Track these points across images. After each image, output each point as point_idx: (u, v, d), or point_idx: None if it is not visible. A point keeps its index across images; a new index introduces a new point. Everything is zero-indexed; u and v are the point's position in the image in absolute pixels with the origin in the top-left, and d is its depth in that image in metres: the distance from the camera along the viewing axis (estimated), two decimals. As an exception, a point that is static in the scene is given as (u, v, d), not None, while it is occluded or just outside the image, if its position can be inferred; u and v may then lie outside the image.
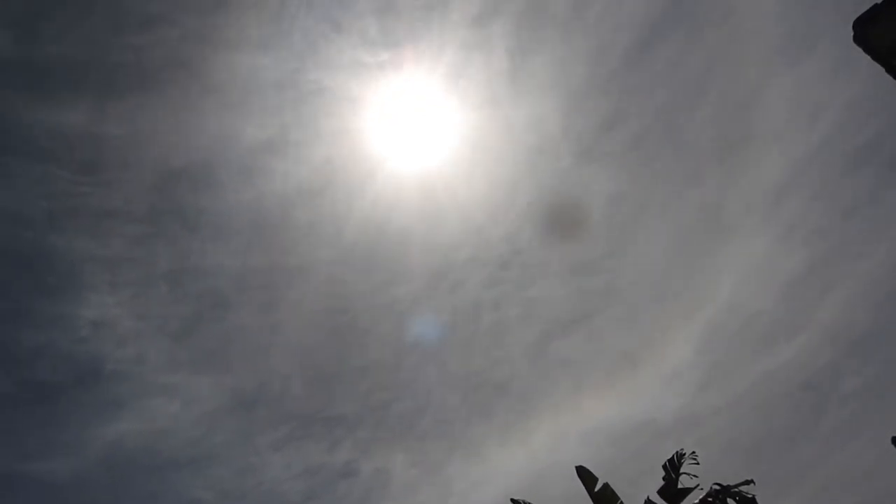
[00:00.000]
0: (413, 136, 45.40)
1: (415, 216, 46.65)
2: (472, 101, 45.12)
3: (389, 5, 42.36)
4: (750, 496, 14.92)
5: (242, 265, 46.72)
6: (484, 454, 45.15)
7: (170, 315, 45.56)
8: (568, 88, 45.27)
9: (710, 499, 15.12)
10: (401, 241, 46.96)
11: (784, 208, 43.52)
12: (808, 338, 42.09)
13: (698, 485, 15.39)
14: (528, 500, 16.17)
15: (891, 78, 12.50)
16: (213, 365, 47.61)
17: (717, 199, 45.71)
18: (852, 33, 11.78)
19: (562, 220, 45.79)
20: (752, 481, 15.04)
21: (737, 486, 15.00)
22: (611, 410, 42.73)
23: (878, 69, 12.15)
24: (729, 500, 15.00)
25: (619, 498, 15.81)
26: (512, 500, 16.09)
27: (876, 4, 11.68)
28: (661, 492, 15.61)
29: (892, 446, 14.84)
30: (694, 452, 15.83)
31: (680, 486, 15.54)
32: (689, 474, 15.53)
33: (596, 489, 15.87)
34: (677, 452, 15.87)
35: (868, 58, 12.35)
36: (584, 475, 16.03)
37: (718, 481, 15.34)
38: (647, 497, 15.84)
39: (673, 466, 15.75)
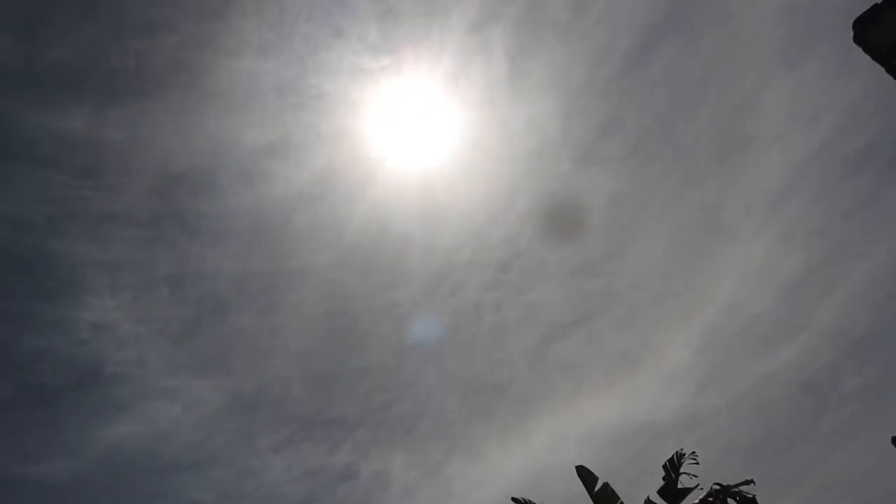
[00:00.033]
0: (413, 139, 45.65)
1: (415, 219, 46.88)
2: (471, 105, 45.36)
3: (389, 11, 42.48)
4: (750, 496, 14.91)
5: (243, 269, 46.95)
6: (484, 455, 45.42)
7: (170, 318, 45.81)
8: (567, 92, 45.48)
9: (710, 499, 15.10)
10: (401, 243, 47.22)
11: (783, 210, 43.65)
12: (807, 339, 42.20)
13: (698, 485, 15.38)
14: (529, 499, 16.20)
15: (891, 78, 12.53)
16: (213, 368, 47.82)
17: (717, 201, 45.83)
18: (852, 33, 11.81)
19: (561, 223, 45.97)
20: (752, 481, 15.03)
21: (737, 485, 14.98)
22: (610, 411, 42.93)
23: (878, 69, 12.18)
24: (729, 500, 14.99)
25: (619, 498, 15.80)
26: (513, 499, 16.10)
27: (876, 4, 11.69)
28: (661, 492, 15.60)
29: (892, 446, 14.84)
30: (694, 452, 15.82)
31: (680, 486, 15.53)
32: (689, 474, 15.53)
33: (596, 489, 15.86)
34: (677, 452, 15.86)
35: (868, 58, 12.38)
36: (584, 475, 16.03)
37: (718, 481, 15.35)
38: (647, 497, 15.84)
39: (673, 466, 15.73)
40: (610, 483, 16.03)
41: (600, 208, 47.08)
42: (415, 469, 46.47)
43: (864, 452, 34.46)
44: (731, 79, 43.39)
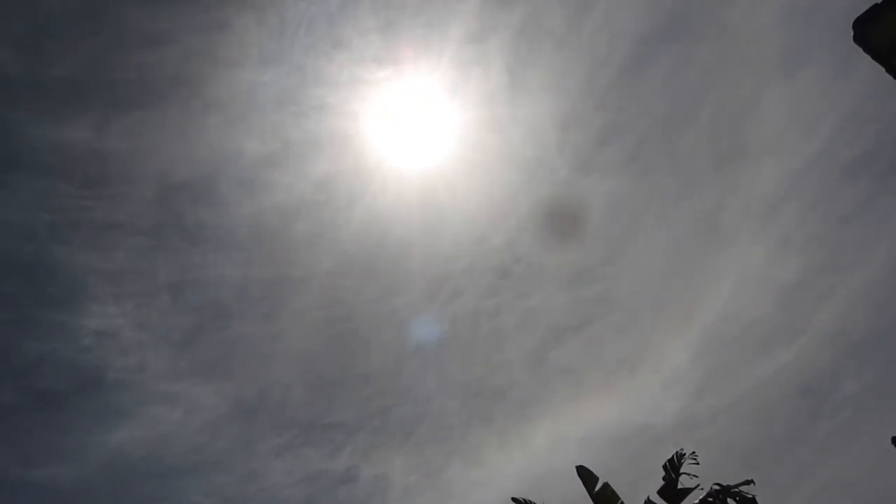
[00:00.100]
0: (412, 147, 46.10)
1: (414, 226, 47.21)
2: (470, 114, 45.57)
3: (389, 23, 42.88)
4: (750, 496, 14.92)
5: (244, 276, 47.38)
6: (483, 459, 45.55)
7: (172, 325, 46.19)
8: (565, 100, 45.82)
9: (710, 499, 15.11)
10: (401, 250, 47.57)
11: (781, 215, 43.82)
12: (805, 343, 42.29)
13: (698, 485, 15.39)
14: (529, 499, 16.19)
15: (891, 78, 12.62)
16: (214, 373, 48.14)
17: (715, 207, 46.05)
18: (852, 33, 11.88)
19: (561, 229, 46.22)
20: (751, 481, 15.04)
21: (737, 486, 14.99)
22: (610, 415, 42.99)
23: (878, 70, 12.26)
24: (729, 500, 15.00)
25: (619, 498, 15.80)
26: (513, 499, 16.10)
27: (876, 4, 11.75)
28: (661, 492, 15.60)
29: (892, 447, 14.86)
30: (694, 453, 15.83)
31: (680, 486, 15.53)
32: (689, 474, 15.54)
33: (596, 489, 15.86)
34: (677, 452, 15.87)
35: (868, 58, 12.47)
36: (585, 475, 16.03)
37: (718, 481, 15.36)
38: (648, 497, 15.85)
39: (673, 467, 15.73)
40: (610, 483, 16.07)
41: (599, 214, 47.44)
42: (415, 472, 46.71)
43: (863, 454, 34.61)
44: (728, 86, 43.77)
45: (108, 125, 42.10)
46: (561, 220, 45.92)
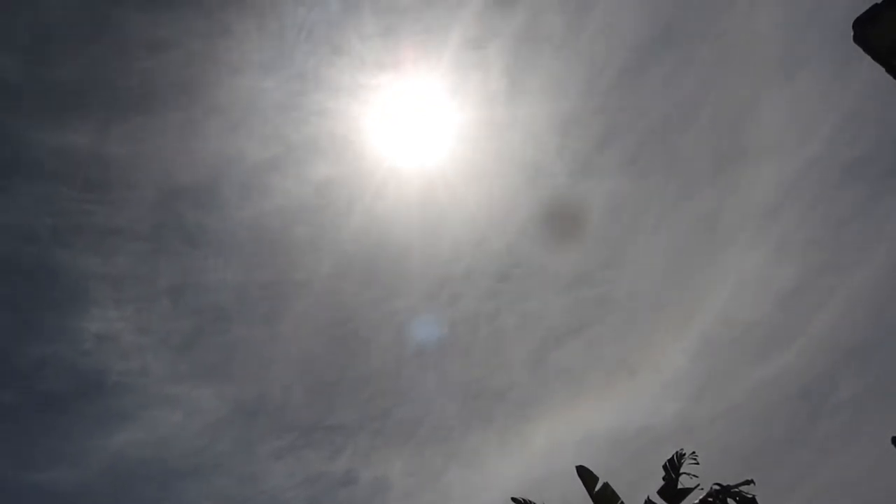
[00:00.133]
0: (412, 150, 46.36)
1: (414, 229, 47.41)
2: (470, 118, 45.78)
3: (389, 28, 43.08)
4: (750, 496, 14.92)
5: (244, 280, 47.65)
6: (483, 461, 45.67)
7: (172, 328, 46.47)
8: (564, 105, 45.93)
9: (710, 499, 15.11)
10: (400, 253, 47.72)
11: (780, 219, 43.94)
12: (804, 346, 42.34)
13: (698, 485, 15.40)
14: (528, 499, 16.19)
15: (890, 79, 12.66)
16: (215, 376, 48.36)
17: (714, 211, 46.19)
18: (852, 33, 11.92)
19: (560, 233, 46.39)
20: (751, 481, 15.04)
21: (737, 486, 14.99)
22: (609, 417, 43.10)
23: (878, 70, 12.29)
24: (729, 500, 15.00)
25: (619, 497, 15.79)
26: (513, 499, 16.09)
27: (876, 4, 11.77)
28: (661, 492, 15.60)
29: (893, 447, 14.87)
30: (694, 453, 15.83)
31: (680, 486, 15.53)
32: (689, 474, 15.54)
33: (596, 489, 15.86)
34: (677, 452, 15.87)
35: (868, 58, 12.50)
36: (585, 475, 16.03)
37: (718, 481, 15.36)
38: (647, 497, 15.84)
39: (673, 467, 15.73)
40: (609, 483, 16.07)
41: (598, 217, 47.55)
42: (414, 474, 46.88)
43: (862, 455, 34.69)
44: (726, 91, 43.96)
45: (110, 130, 42.49)
46: (560, 223, 46.15)
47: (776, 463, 37.38)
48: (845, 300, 40.60)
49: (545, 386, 48.72)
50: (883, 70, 12.21)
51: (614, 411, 42.92)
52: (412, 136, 45.71)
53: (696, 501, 15.18)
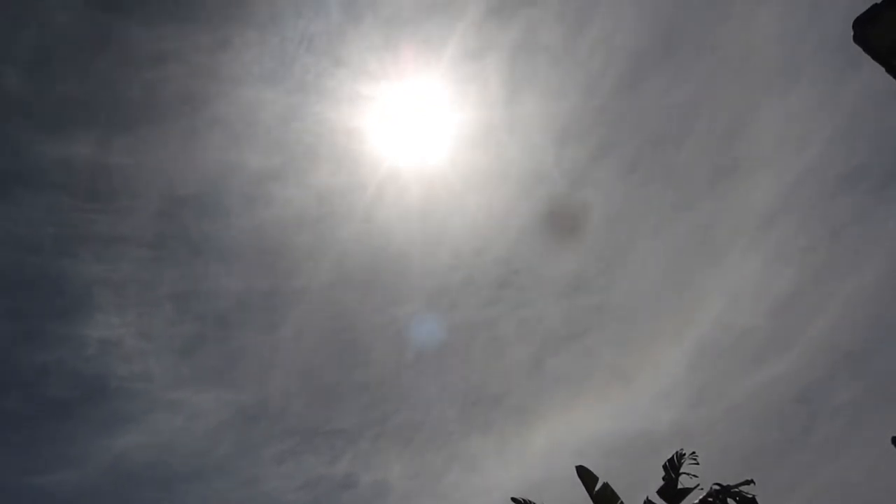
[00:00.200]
0: (412, 159, 46.96)
1: (414, 238, 47.96)
2: (469, 128, 46.41)
3: (388, 41, 43.48)
4: (750, 496, 14.91)
5: (246, 287, 48.19)
6: (481, 465, 46.01)
7: (175, 334, 46.91)
8: (562, 116, 46.44)
9: (709, 499, 15.09)
10: (400, 262, 48.26)
11: (775, 228, 44.24)
12: (799, 352, 42.62)
13: (698, 485, 15.38)
14: (528, 499, 16.16)
15: (887, 83, 12.79)
16: (217, 381, 48.71)
17: (710, 220, 46.56)
18: (852, 33, 12.02)
19: (558, 241, 47.05)
20: (751, 481, 15.03)
21: (737, 486, 14.98)
22: (606, 423, 43.33)
23: (878, 71, 12.41)
24: (729, 500, 14.99)
25: (618, 498, 15.77)
26: (512, 499, 16.06)
27: (876, 4, 11.87)
28: (661, 492, 15.58)
29: (893, 447, 14.91)
30: (694, 453, 15.82)
31: (680, 486, 15.51)
32: (689, 474, 15.53)
33: (596, 489, 15.83)
34: (677, 452, 15.86)
35: (865, 63, 12.64)
36: (584, 475, 16.00)
37: (718, 481, 15.35)
38: (647, 497, 15.82)
39: (673, 467, 15.72)
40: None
41: (596, 226, 47.96)
42: (414, 478, 47.28)
43: (860, 458, 34.90)
44: (723, 100, 44.37)
45: (113, 141, 43.13)
46: (558, 231, 46.77)
47: (775, 465, 37.54)
48: (842, 306, 40.93)
49: (543, 392, 49.11)
50: (883, 71, 12.34)
51: (612, 416, 43.23)
52: (412, 144, 46.41)
53: (696, 501, 15.16)
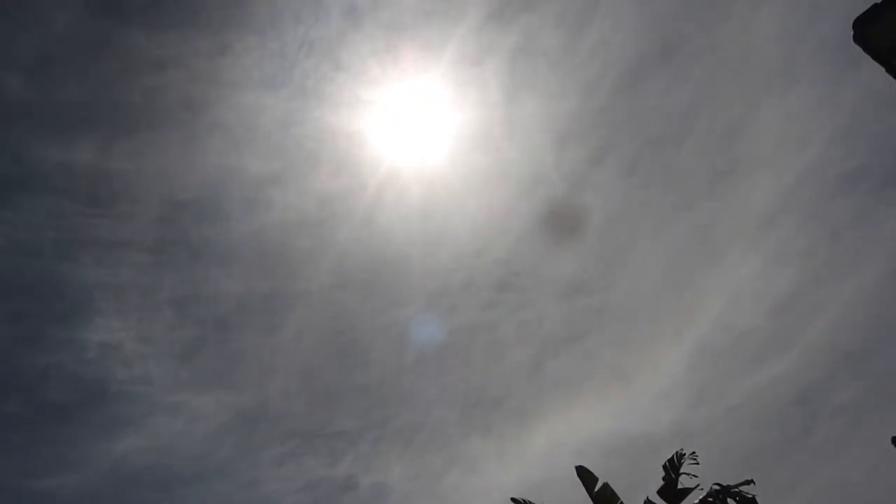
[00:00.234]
0: (411, 163, 47.15)
1: (414, 241, 48.15)
2: (469, 132, 46.68)
3: (389, 45, 43.72)
4: (750, 496, 14.90)
5: (246, 290, 48.40)
6: (481, 467, 46.05)
7: (175, 338, 47.07)
8: (562, 119, 46.66)
9: (709, 499, 15.08)
10: (400, 265, 48.50)
11: (775, 229, 44.34)
12: (799, 353, 42.71)
13: (698, 485, 15.37)
14: (528, 499, 16.14)
15: (887, 83, 12.80)
16: (217, 384, 48.91)
17: (710, 222, 46.77)
18: (852, 33, 12.04)
19: (557, 243, 47.20)
20: (751, 481, 15.02)
21: (737, 486, 14.97)
22: (605, 424, 43.38)
23: (877, 72, 12.42)
24: (729, 500, 14.98)
25: (618, 497, 15.75)
26: (512, 499, 16.04)
27: (876, 4, 11.88)
28: (661, 492, 15.56)
29: (893, 447, 14.91)
30: (694, 453, 15.80)
31: (680, 486, 15.50)
32: (689, 474, 15.52)
33: (596, 489, 15.81)
34: (677, 452, 15.85)
35: (865, 64, 12.66)
36: (584, 475, 15.99)
37: (718, 481, 15.34)
38: (647, 497, 15.81)
39: (673, 466, 15.71)
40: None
41: (596, 228, 48.13)
42: (414, 480, 47.38)
43: (859, 458, 34.99)
44: (721, 104, 44.61)
45: (114, 146, 43.51)
46: (558, 233, 46.97)
47: (775, 465, 37.61)
48: (841, 306, 41.03)
49: (543, 393, 49.22)
50: (883, 71, 12.36)
51: (612, 417, 43.31)
52: (411, 148, 46.71)
53: (696, 501, 15.14)
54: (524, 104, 45.99)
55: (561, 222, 46.52)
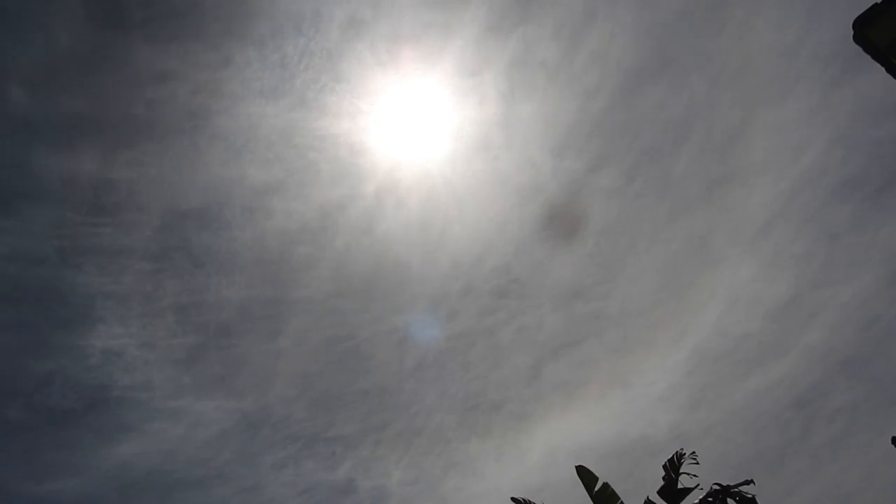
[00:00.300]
0: (410, 172, 47.61)
1: (413, 249, 48.76)
2: (468, 141, 47.16)
3: (389, 58, 44.11)
4: (750, 496, 14.91)
5: (247, 298, 48.80)
6: (480, 471, 46.47)
7: (177, 344, 47.46)
8: (559, 129, 47.07)
9: (709, 499, 15.08)
10: (400, 272, 48.97)
11: (771, 236, 44.63)
12: (796, 358, 42.93)
13: (698, 485, 15.37)
14: (528, 499, 16.14)
15: (888, 82, 12.89)
16: (218, 390, 49.25)
17: (706, 229, 47.07)
18: (852, 33, 12.12)
19: (555, 251, 47.93)
20: (751, 481, 15.03)
21: (737, 485, 14.97)
22: (604, 429, 43.77)
23: (878, 72, 12.50)
24: (729, 500, 14.98)
25: (618, 497, 15.76)
26: (512, 498, 16.04)
27: (876, 4, 11.96)
28: (661, 492, 15.57)
29: (893, 447, 14.93)
30: (694, 452, 15.82)
31: (680, 486, 15.50)
32: (689, 474, 15.53)
33: (596, 489, 15.82)
34: (677, 452, 15.86)
35: (865, 64, 12.73)
36: (584, 475, 15.99)
37: (718, 481, 15.35)
38: (647, 497, 15.81)
39: (673, 466, 15.71)
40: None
41: (593, 237, 48.63)
42: (413, 484, 47.70)
43: (857, 462, 35.10)
44: (718, 112, 44.95)
45: (117, 157, 43.80)
46: (556, 241, 47.66)
47: (772, 469, 37.74)
48: (839, 312, 41.23)
49: (542, 398, 49.65)
50: (883, 71, 12.44)
51: (609, 423, 43.71)
52: (411, 157, 47.35)
53: (696, 501, 15.15)
54: (522, 113, 46.55)
55: (559, 230, 47.29)
